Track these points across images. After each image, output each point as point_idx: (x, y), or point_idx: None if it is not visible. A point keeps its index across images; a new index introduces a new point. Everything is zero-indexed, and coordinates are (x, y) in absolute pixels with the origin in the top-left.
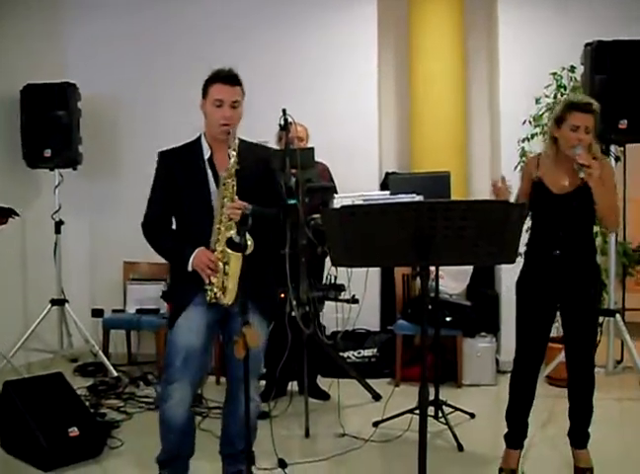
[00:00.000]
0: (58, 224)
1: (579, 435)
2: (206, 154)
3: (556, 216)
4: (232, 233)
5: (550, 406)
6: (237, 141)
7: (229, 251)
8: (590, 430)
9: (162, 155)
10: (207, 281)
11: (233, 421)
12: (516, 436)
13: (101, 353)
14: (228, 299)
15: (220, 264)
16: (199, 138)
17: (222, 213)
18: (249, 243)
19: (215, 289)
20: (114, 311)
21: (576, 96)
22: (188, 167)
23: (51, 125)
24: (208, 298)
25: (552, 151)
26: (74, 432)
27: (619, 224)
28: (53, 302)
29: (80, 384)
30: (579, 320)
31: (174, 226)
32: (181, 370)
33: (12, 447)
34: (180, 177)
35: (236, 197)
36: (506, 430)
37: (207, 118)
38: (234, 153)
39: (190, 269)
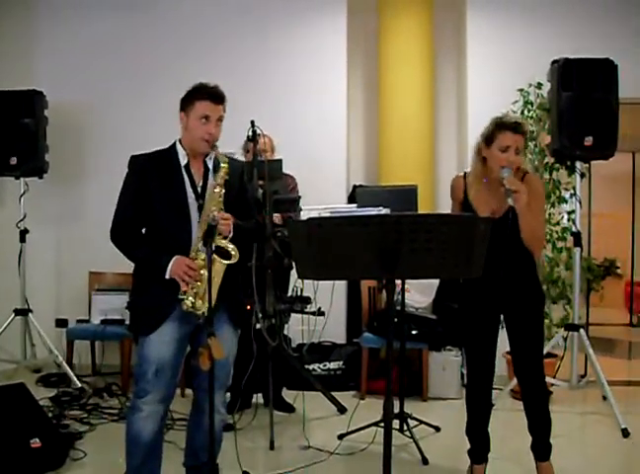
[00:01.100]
0: (23, 233)
1: (540, 448)
2: (183, 161)
3: (491, 240)
4: (223, 242)
5: (514, 419)
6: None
7: (218, 259)
8: (553, 443)
9: (135, 159)
10: (183, 290)
11: (198, 432)
12: (478, 451)
13: (64, 363)
14: (205, 308)
15: (204, 271)
16: (173, 145)
17: (208, 222)
18: (233, 253)
19: (191, 298)
20: (78, 321)
21: (506, 116)
22: (162, 173)
23: (17, 133)
24: (185, 307)
25: (480, 171)
26: (36, 443)
27: (541, 250)
28: (17, 312)
29: (43, 395)
30: (525, 332)
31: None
32: (152, 384)
33: None
34: (153, 182)
35: (222, 208)
36: (469, 445)
37: (189, 131)
38: (225, 164)
39: (167, 276)
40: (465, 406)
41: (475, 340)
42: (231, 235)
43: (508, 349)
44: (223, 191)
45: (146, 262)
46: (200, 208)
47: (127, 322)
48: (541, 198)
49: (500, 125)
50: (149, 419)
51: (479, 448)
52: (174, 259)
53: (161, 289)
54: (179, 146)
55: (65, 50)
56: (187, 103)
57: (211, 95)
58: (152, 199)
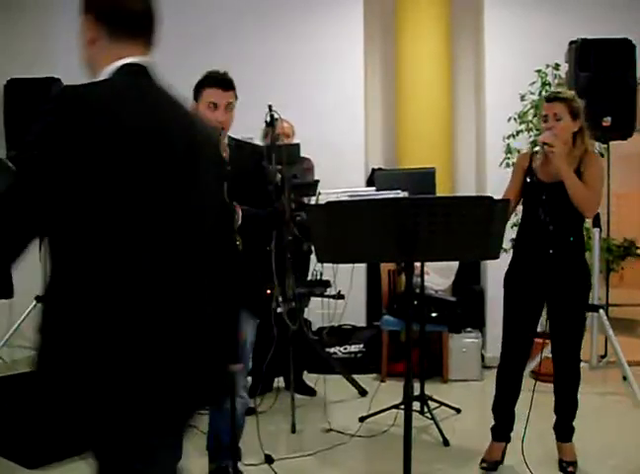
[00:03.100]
0: None
1: (564, 429)
2: None
3: (546, 207)
4: None
5: (535, 400)
6: (226, 141)
7: None
8: (574, 424)
9: None
10: None
11: (220, 416)
12: (502, 429)
13: None
14: None
15: None
16: None
17: None
18: (237, 242)
19: None
20: None
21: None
22: None
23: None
24: None
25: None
26: None
27: (590, 211)
28: (38, 299)
29: None
30: (568, 317)
31: None
32: None
33: None
34: None
35: None
36: (492, 423)
37: None
38: (225, 155)
39: None
40: (495, 384)
41: (516, 320)
42: (239, 224)
43: None
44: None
45: None
46: None
47: None
48: (595, 172)
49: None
50: None
51: (503, 427)
52: None
53: None
54: None
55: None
56: (196, 92)
57: (218, 81)
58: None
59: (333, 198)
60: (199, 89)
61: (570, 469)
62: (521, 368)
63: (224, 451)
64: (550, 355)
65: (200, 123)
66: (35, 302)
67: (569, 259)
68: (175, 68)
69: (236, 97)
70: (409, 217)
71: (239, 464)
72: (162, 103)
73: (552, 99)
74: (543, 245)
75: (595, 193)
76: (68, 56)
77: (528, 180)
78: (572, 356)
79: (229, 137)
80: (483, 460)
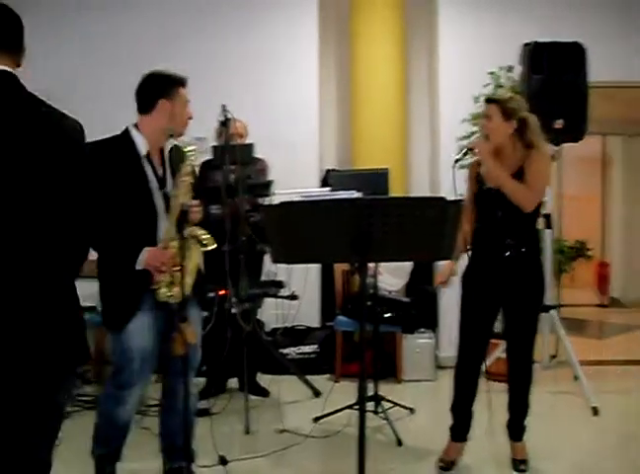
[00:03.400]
0: None
1: (516, 428)
2: (143, 150)
3: (497, 210)
4: (193, 229)
5: (488, 400)
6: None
7: (195, 246)
8: (526, 422)
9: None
10: (156, 281)
11: (172, 417)
12: (460, 429)
13: None
14: (176, 298)
15: (177, 259)
16: (126, 133)
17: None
18: (207, 241)
19: (165, 288)
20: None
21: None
22: (120, 162)
23: None
24: (162, 298)
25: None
26: None
27: (530, 205)
28: None
29: None
30: (522, 319)
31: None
32: (137, 375)
33: None
34: (112, 171)
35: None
36: (446, 423)
37: (174, 118)
38: (194, 152)
39: (139, 267)
40: (453, 384)
41: (472, 321)
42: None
43: None
44: (192, 180)
45: (114, 253)
46: (165, 197)
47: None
48: (536, 168)
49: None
50: (133, 408)
51: (461, 426)
52: (145, 251)
53: (129, 280)
54: (136, 134)
55: (33, 36)
56: (171, 90)
57: (185, 81)
58: (112, 190)
59: (287, 199)
60: (173, 88)
61: (522, 467)
62: (478, 369)
63: (178, 452)
64: (503, 355)
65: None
66: None
67: (526, 262)
68: (131, 68)
69: None
70: (363, 218)
71: (192, 466)
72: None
73: (486, 101)
74: (497, 248)
75: (532, 188)
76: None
77: (479, 185)
78: (525, 357)
79: (176, 143)
80: (440, 460)
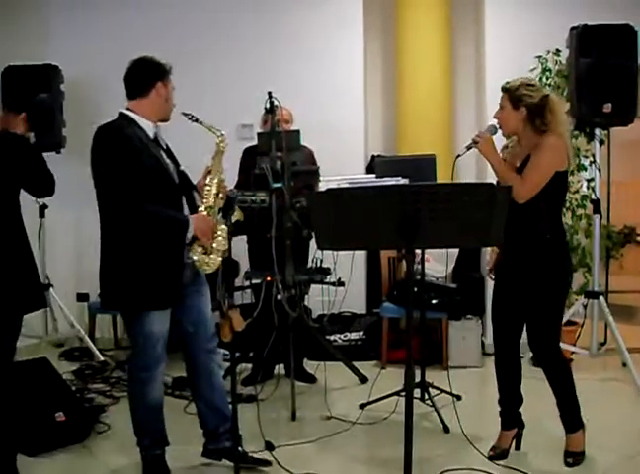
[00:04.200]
0: (42, 208)
1: (565, 419)
2: (152, 133)
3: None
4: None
5: (538, 387)
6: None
7: (221, 224)
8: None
9: (107, 130)
10: (200, 245)
11: (214, 394)
12: (508, 417)
13: (87, 337)
14: (212, 266)
15: (220, 232)
16: (128, 117)
17: (214, 189)
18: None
19: (199, 255)
20: (99, 295)
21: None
22: (138, 144)
23: (34, 108)
24: (198, 264)
25: None
26: (60, 416)
27: (521, 196)
28: None
29: (66, 369)
30: (539, 307)
31: None
32: (161, 356)
33: None
34: (134, 153)
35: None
36: (496, 410)
37: (164, 101)
38: (223, 132)
39: (190, 234)
40: (495, 372)
41: (500, 307)
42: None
43: None
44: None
45: (167, 221)
46: (181, 174)
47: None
48: (536, 160)
49: None
50: (161, 386)
51: (509, 414)
52: (194, 217)
53: (169, 258)
54: (139, 117)
55: (80, 25)
56: (165, 75)
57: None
58: (137, 169)
59: (333, 185)
60: (166, 74)
61: (569, 460)
62: (515, 355)
63: (225, 435)
64: None
65: None
66: None
67: (544, 248)
68: (169, 56)
69: None
70: (410, 204)
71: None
72: None
73: (501, 89)
74: (510, 235)
75: (525, 180)
76: (65, 44)
77: None
78: (545, 347)
79: None
80: (492, 449)
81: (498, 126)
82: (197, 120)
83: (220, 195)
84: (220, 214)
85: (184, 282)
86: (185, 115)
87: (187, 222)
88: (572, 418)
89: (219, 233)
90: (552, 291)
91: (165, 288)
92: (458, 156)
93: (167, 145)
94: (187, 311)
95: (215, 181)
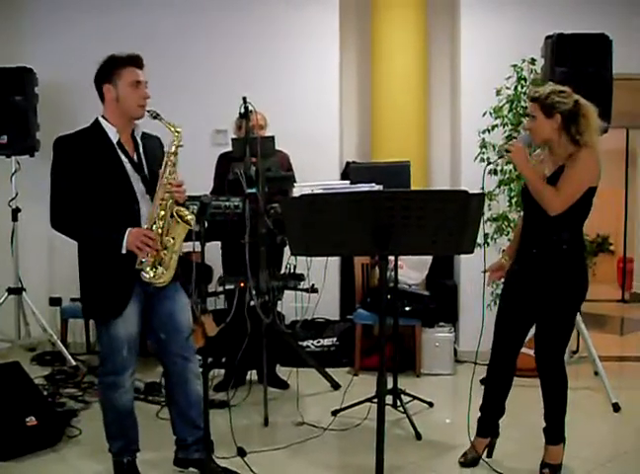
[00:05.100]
0: (15, 212)
1: (547, 431)
2: (115, 138)
3: (528, 207)
4: (178, 208)
5: (520, 396)
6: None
7: (181, 223)
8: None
9: (62, 140)
10: (140, 261)
11: (188, 402)
12: (488, 425)
13: (59, 342)
14: (167, 277)
15: (169, 239)
16: (96, 123)
17: (164, 191)
18: (190, 218)
19: (154, 268)
20: (72, 300)
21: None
22: (95, 152)
23: (8, 111)
24: (146, 278)
25: None
26: (32, 421)
27: (553, 208)
28: (10, 291)
29: (38, 373)
30: (550, 318)
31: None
32: (128, 360)
33: None
34: (88, 163)
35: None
36: (468, 417)
37: (122, 101)
38: (178, 132)
39: (124, 250)
40: (486, 377)
41: (507, 314)
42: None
43: None
44: (176, 159)
45: (100, 239)
46: (144, 180)
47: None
48: (571, 172)
49: None
50: (130, 391)
51: (489, 422)
52: (128, 231)
53: (115, 268)
54: (105, 123)
55: (55, 28)
56: (110, 74)
57: (135, 60)
58: (89, 179)
59: (307, 191)
60: (112, 71)
61: (545, 471)
62: (512, 364)
63: (197, 442)
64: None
65: None
66: (6, 294)
67: (560, 259)
68: (152, 62)
69: None
70: (384, 211)
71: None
72: None
73: (529, 99)
74: (527, 243)
75: (560, 192)
76: (40, 46)
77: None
78: (550, 359)
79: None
80: (464, 454)
81: (530, 136)
82: (156, 117)
83: (165, 199)
84: (165, 222)
85: (136, 292)
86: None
87: (118, 240)
88: (556, 431)
89: (169, 243)
90: (564, 304)
91: (109, 299)
92: (489, 164)
93: (144, 145)
94: (157, 318)
95: (162, 183)
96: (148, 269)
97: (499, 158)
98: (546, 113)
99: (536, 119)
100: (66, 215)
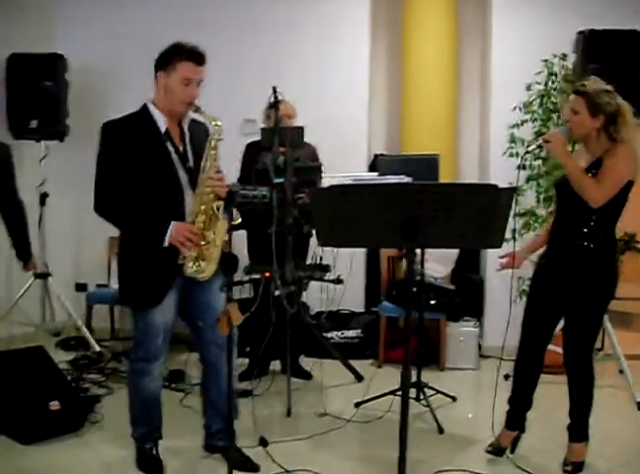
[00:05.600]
0: (43, 197)
1: (571, 428)
2: (162, 126)
3: (560, 201)
4: (219, 203)
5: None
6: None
7: (221, 219)
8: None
9: (109, 127)
10: (183, 256)
11: (219, 394)
12: (516, 417)
13: (83, 327)
14: (209, 271)
15: (210, 234)
16: (145, 108)
17: (206, 185)
18: (236, 213)
19: (197, 262)
20: (97, 286)
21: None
22: (142, 139)
23: (38, 97)
24: (188, 273)
25: None
26: (55, 405)
27: (595, 200)
28: (37, 276)
29: (62, 358)
30: (579, 315)
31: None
32: (161, 348)
33: None
34: (135, 150)
35: (218, 169)
36: (489, 411)
37: (169, 93)
38: (219, 125)
39: (166, 244)
40: (514, 370)
41: (535, 308)
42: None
43: None
44: (217, 152)
45: (143, 231)
46: (189, 172)
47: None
48: (612, 164)
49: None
50: (158, 379)
51: (517, 415)
52: (172, 225)
53: (157, 258)
54: (154, 109)
55: (86, 14)
56: (167, 63)
57: (194, 56)
58: (137, 166)
59: (336, 182)
60: (170, 61)
61: (568, 468)
62: (541, 357)
63: (218, 433)
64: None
65: None
66: (33, 278)
67: (588, 256)
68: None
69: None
70: (413, 203)
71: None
72: None
73: (574, 92)
74: (558, 238)
75: (602, 184)
76: (71, 33)
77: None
78: (578, 357)
79: (192, 118)
80: (491, 444)
81: (569, 130)
82: (197, 110)
83: (207, 193)
84: (206, 217)
85: (175, 281)
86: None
87: (161, 233)
88: (580, 428)
89: (210, 237)
90: (594, 300)
91: (148, 288)
92: (527, 153)
93: (191, 134)
94: (196, 306)
95: (203, 177)
96: (191, 263)
97: (538, 148)
98: (592, 111)
99: (579, 115)
100: (110, 201)
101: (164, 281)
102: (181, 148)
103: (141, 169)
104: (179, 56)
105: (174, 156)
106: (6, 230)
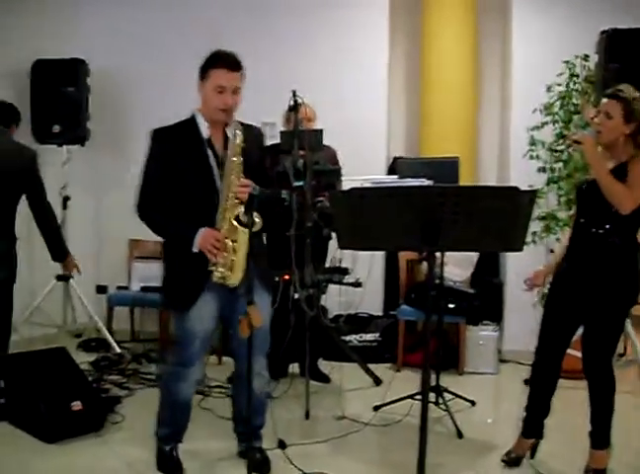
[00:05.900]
0: (65, 200)
1: (592, 435)
2: (206, 134)
3: (581, 205)
4: (240, 210)
5: (565, 397)
6: (233, 126)
7: (239, 227)
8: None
9: (159, 132)
10: (212, 262)
11: (250, 403)
12: (532, 425)
13: (104, 329)
14: (235, 278)
15: (229, 242)
16: (193, 117)
17: (230, 192)
18: (257, 220)
19: (221, 269)
20: (118, 288)
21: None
22: (186, 146)
23: (61, 102)
24: (215, 279)
25: None
26: (77, 405)
27: (625, 207)
28: (58, 278)
29: (83, 359)
30: (599, 318)
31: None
32: (197, 354)
33: (16, 419)
34: (179, 156)
35: (242, 176)
36: (511, 417)
37: (206, 102)
38: (239, 132)
39: (195, 250)
40: (530, 376)
41: (552, 313)
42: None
43: None
44: (241, 159)
45: (175, 236)
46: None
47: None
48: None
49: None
50: (192, 385)
51: (534, 422)
52: (200, 231)
53: (192, 263)
54: (199, 117)
55: (108, 20)
56: (204, 71)
57: (226, 63)
58: (179, 172)
59: (357, 185)
60: (206, 69)
61: None
62: (558, 363)
63: (254, 433)
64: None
65: None
66: (54, 281)
67: (604, 259)
68: (195, 50)
69: (244, 77)
70: (434, 206)
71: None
72: None
73: (609, 95)
74: (578, 242)
75: (632, 189)
76: (94, 38)
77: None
78: (598, 360)
79: (236, 122)
80: (506, 454)
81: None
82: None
83: (230, 199)
84: (227, 224)
85: (216, 289)
86: None
87: (191, 239)
88: (602, 435)
89: (232, 244)
90: (616, 305)
91: (183, 291)
92: (556, 152)
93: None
94: (235, 314)
95: (226, 183)
96: (220, 269)
97: (568, 148)
98: (627, 117)
99: (613, 120)
100: (151, 204)
101: (195, 286)
102: (222, 155)
103: (182, 174)
104: (212, 64)
105: (212, 162)
106: (40, 233)
